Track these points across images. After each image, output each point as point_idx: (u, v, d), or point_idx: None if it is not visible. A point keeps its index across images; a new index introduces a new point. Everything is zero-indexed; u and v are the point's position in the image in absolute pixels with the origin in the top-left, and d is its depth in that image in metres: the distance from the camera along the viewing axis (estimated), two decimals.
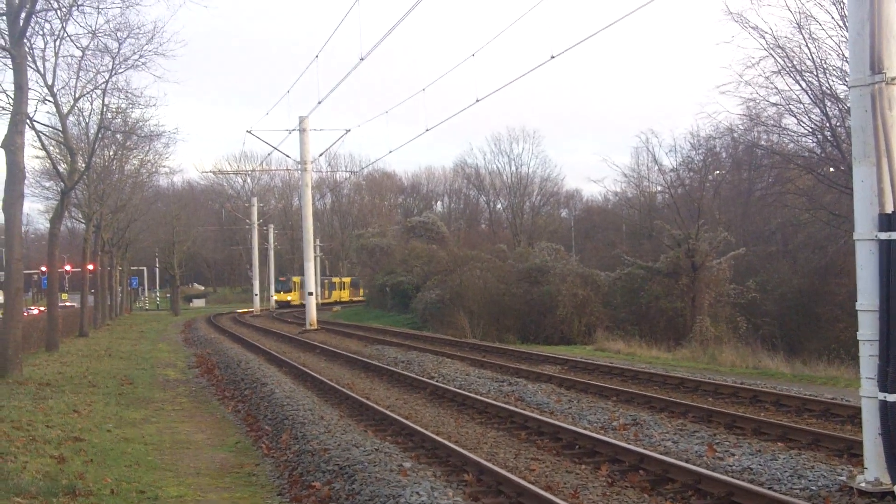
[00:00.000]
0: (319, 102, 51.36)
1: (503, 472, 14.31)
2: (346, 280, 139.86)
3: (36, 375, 30.16)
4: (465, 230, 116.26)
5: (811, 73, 45.67)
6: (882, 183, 11.98)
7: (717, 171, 77.18)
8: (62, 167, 47.70)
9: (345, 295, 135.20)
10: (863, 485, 12.58)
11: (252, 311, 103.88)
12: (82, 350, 43.51)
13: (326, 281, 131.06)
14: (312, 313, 61.62)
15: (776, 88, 47.59)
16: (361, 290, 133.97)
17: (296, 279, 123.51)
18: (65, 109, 42.50)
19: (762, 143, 59.41)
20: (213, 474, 16.26)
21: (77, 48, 38.69)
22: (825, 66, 45.23)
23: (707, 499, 13.31)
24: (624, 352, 43.32)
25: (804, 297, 54.20)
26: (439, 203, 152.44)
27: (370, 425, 19.96)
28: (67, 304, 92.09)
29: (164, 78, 44.84)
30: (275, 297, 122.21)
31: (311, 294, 62.68)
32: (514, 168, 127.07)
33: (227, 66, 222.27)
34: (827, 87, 45.66)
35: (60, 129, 43.43)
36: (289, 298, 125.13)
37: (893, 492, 12.09)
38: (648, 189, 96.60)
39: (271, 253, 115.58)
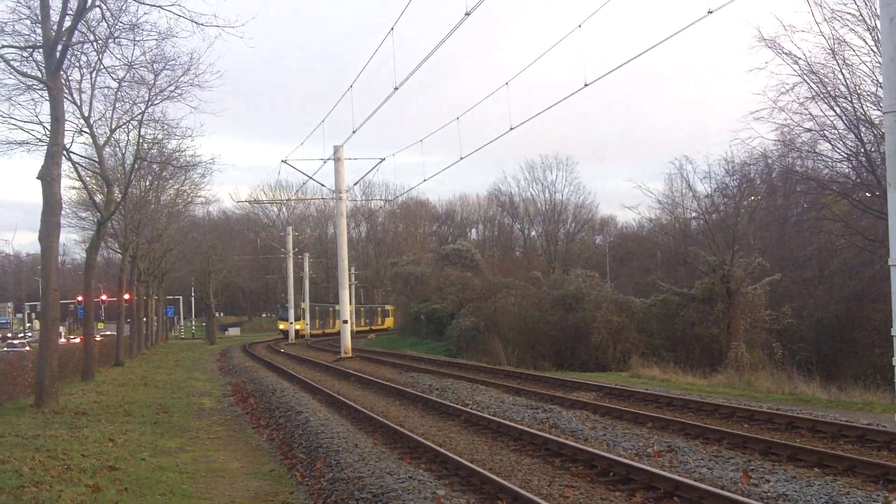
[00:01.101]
0: (354, 132, 51.50)
1: (537, 499, 14.28)
2: None
3: (72, 404, 30.26)
4: (500, 257, 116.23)
5: (845, 98, 45.59)
6: None
7: (752, 197, 76.96)
8: (98, 198, 48.06)
9: None
10: None
11: (288, 340, 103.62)
12: (118, 379, 43.63)
13: (331, 309, 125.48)
14: (347, 341, 61.65)
15: (810, 114, 47.56)
16: (363, 319, 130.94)
17: (303, 305, 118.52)
18: (101, 140, 42.84)
19: (797, 168, 59.27)
20: (247, 503, 16.29)
21: (113, 80, 39.01)
22: (859, 91, 45.16)
23: None
24: (659, 378, 43.17)
25: (840, 322, 54.00)
26: (473, 231, 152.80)
27: (404, 453, 19.95)
28: (107, 332, 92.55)
29: (200, 109, 45.16)
30: (282, 326, 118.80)
31: (345, 322, 62.75)
32: (548, 195, 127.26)
33: (263, 96, 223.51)
34: (861, 113, 45.55)
35: (97, 160, 43.72)
36: (297, 328, 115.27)
37: None
38: (683, 215, 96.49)
39: (306, 282, 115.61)
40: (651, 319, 59.92)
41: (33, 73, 32.80)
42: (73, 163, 42.53)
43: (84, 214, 66.18)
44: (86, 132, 41.20)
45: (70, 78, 36.81)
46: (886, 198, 12.38)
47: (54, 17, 29.90)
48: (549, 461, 18.88)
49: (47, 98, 31.30)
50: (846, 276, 58.64)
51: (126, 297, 63.26)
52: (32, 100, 36.53)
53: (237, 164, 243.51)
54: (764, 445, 19.38)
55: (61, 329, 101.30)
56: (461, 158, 44.86)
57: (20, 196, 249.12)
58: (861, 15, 42.71)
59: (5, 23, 32.14)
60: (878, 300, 47.77)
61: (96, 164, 44.59)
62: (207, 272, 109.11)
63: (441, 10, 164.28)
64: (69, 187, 57.20)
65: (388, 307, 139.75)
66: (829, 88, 46.05)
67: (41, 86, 32.35)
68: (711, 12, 22.69)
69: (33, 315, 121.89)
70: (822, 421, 22.28)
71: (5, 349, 66.94)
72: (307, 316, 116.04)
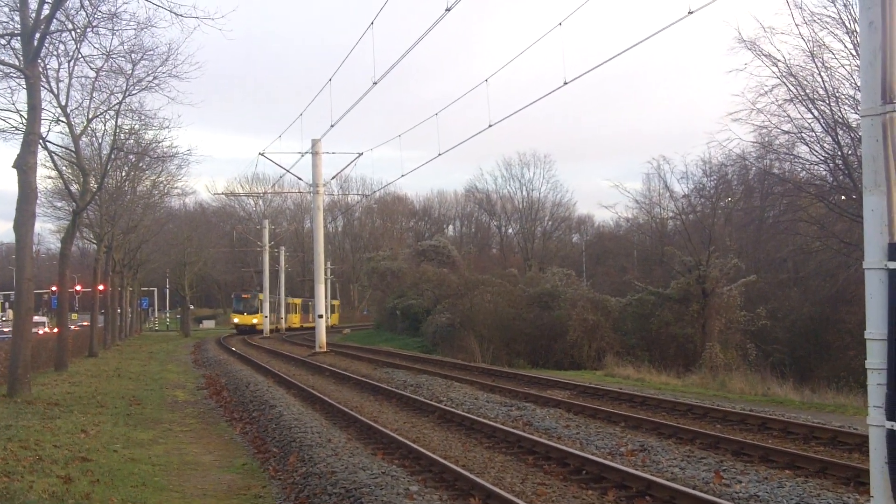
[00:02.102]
0: (332, 126, 51.44)
1: (510, 496, 14.30)
2: (297, 301, 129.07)
3: (45, 395, 30.16)
4: (476, 254, 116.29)
5: (823, 101, 45.67)
6: (892, 212, 11.96)
7: (729, 198, 77.12)
8: (74, 187, 47.88)
9: (295, 320, 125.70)
10: None
11: (262, 333, 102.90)
12: (91, 370, 43.49)
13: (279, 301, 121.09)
14: (322, 336, 61.65)
15: (788, 116, 47.58)
16: (298, 314, 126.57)
17: (261, 296, 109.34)
18: (78, 130, 42.67)
19: (774, 170, 59.38)
20: (220, 496, 16.25)
21: (91, 69, 38.80)
22: (837, 94, 45.22)
23: None
24: (633, 377, 43.28)
25: (814, 324, 54.19)
26: (451, 227, 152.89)
27: (378, 448, 19.95)
28: (85, 323, 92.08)
29: (178, 100, 44.96)
30: (236, 319, 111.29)
31: (320, 317, 62.67)
32: (525, 193, 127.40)
33: (241, 88, 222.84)
34: (839, 116, 45.64)
35: (73, 149, 43.56)
36: (254, 321, 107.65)
37: None
38: (660, 215, 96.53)
39: (282, 275, 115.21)
40: (626, 318, 60.01)
41: (11, 61, 32.65)
42: (50, 152, 42.36)
43: (59, 204, 65.97)
44: (63, 121, 41.02)
45: (48, 66, 36.67)
46: (862, 201, 12.39)
47: (33, 4, 29.78)
48: (523, 459, 18.91)
49: (24, 86, 31.13)
50: (821, 279, 58.85)
51: (101, 287, 63.05)
52: (9, 88, 36.40)
53: (214, 155, 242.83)
54: (736, 446, 19.45)
55: (45, 319, 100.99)
56: (439, 154, 44.79)
57: None
58: (840, 18, 42.82)
59: None
60: (852, 303, 47.96)
61: (73, 154, 44.43)
62: (183, 264, 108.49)
63: (421, 5, 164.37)
64: (45, 176, 57.04)
65: (333, 302, 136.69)
66: (807, 91, 46.13)
67: (18, 74, 32.17)
68: (692, 12, 22.71)
69: (7, 304, 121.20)
70: (794, 422, 22.39)
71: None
72: (282, 309, 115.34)
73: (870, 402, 12.22)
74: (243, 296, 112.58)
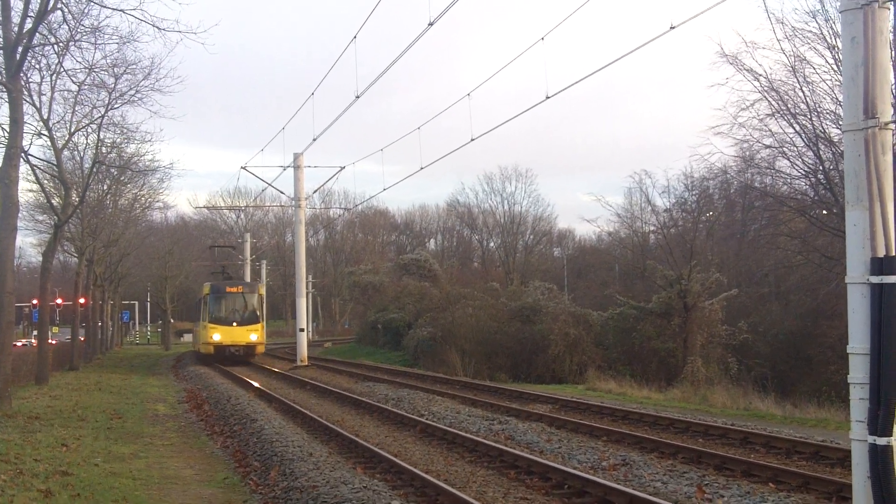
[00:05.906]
0: (314, 139, 51.29)
1: None
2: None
3: (25, 409, 30.04)
4: (458, 268, 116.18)
5: (805, 116, 45.75)
6: (874, 227, 11.99)
7: (710, 213, 77.36)
8: (56, 201, 47.65)
9: None
10: None
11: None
12: (72, 384, 43.33)
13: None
14: (303, 350, 61.35)
15: (770, 131, 47.66)
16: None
17: (263, 290, 77.39)
18: (60, 143, 42.56)
19: (755, 185, 59.54)
20: None
21: (73, 83, 38.74)
22: (819, 109, 45.30)
23: None
24: (615, 392, 43.23)
25: (796, 339, 54.25)
26: (432, 241, 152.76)
27: (359, 462, 19.88)
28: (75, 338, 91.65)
29: (160, 113, 44.97)
30: (217, 336, 64.41)
31: (302, 330, 62.36)
32: (506, 207, 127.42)
33: (223, 102, 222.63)
34: (821, 131, 45.72)
35: (55, 163, 43.43)
36: (251, 338, 64.85)
37: None
38: (641, 229, 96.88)
39: (263, 289, 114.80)
40: (608, 333, 60.00)
41: None
42: (32, 165, 42.26)
43: (41, 217, 65.72)
44: (44, 135, 40.92)
45: (30, 80, 36.60)
46: (844, 216, 12.42)
47: (15, 18, 29.77)
48: (504, 473, 18.87)
49: (6, 100, 31.10)
50: (802, 293, 58.95)
51: (82, 301, 62.89)
52: None
53: (196, 169, 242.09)
54: (719, 460, 19.45)
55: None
56: (421, 168, 44.74)
57: None
58: (822, 33, 42.91)
59: None
60: (833, 317, 48.03)
61: (54, 167, 44.28)
62: (164, 277, 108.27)
63: (404, 19, 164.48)
64: (26, 190, 56.76)
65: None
66: (788, 106, 46.20)
67: (0, 88, 32.10)
68: (674, 27, 22.74)
69: None
70: (776, 437, 22.40)
71: None
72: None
73: (852, 416, 12.24)
74: (228, 290, 66.96)
